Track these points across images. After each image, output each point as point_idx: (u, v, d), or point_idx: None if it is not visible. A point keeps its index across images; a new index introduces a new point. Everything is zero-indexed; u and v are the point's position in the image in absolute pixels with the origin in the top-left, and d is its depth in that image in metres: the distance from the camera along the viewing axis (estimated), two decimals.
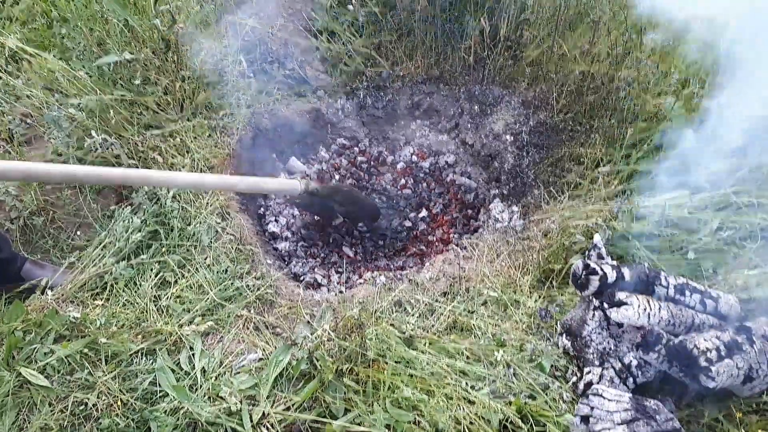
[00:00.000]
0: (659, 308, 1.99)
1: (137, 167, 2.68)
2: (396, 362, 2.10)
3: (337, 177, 3.46)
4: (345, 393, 2.01)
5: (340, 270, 2.92)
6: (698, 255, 2.37)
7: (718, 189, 2.47)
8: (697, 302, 2.11)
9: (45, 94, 2.79)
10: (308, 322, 2.36)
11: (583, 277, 2.10)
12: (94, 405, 1.95)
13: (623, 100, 2.96)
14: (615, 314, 1.98)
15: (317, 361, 2.06)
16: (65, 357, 2.03)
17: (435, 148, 3.65)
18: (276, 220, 3.10)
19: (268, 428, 1.94)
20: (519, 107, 3.33)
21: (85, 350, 2.07)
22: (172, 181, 2.29)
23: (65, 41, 3.11)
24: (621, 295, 2.01)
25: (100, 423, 1.92)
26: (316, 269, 2.86)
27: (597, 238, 2.29)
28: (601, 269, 2.05)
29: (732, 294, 2.22)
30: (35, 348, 2.06)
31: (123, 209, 2.59)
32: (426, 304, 2.44)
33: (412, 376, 2.07)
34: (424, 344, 2.22)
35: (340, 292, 2.64)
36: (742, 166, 2.48)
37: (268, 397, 2.01)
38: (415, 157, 3.62)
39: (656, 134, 2.76)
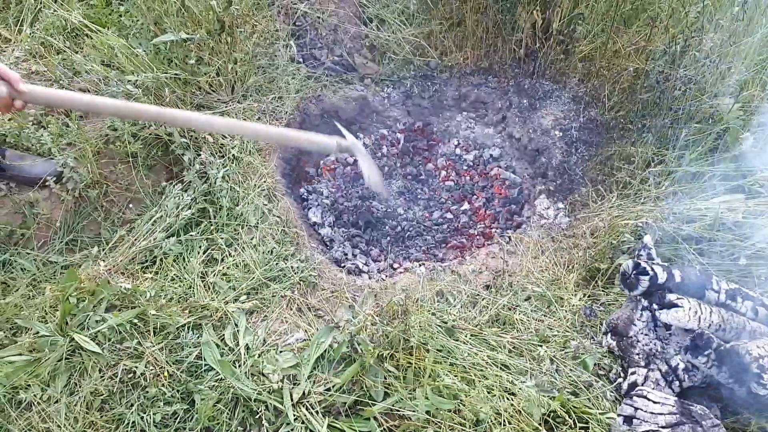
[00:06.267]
0: (710, 312, 1.96)
1: (188, 145, 2.73)
2: (437, 351, 2.10)
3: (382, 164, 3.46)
4: (385, 378, 2.02)
5: (380, 259, 2.92)
6: (750, 261, 2.31)
7: None
8: (749, 309, 2.06)
9: (104, 70, 2.85)
10: (350, 306, 2.38)
11: (632, 276, 2.07)
12: (141, 374, 2.00)
13: (678, 100, 2.89)
14: (665, 315, 1.95)
15: (358, 345, 2.07)
16: (116, 326, 2.09)
17: (480, 141, 3.62)
18: (317, 206, 3.11)
19: (307, 408, 1.96)
20: (569, 102, 3.29)
21: (135, 320, 2.13)
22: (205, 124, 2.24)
23: (123, 19, 3.17)
24: (672, 297, 1.98)
25: (147, 392, 1.98)
26: (357, 256, 2.88)
27: (647, 239, 2.25)
28: (652, 269, 2.02)
29: None
30: (88, 315, 2.12)
31: (173, 186, 2.64)
32: (468, 296, 2.43)
33: (453, 365, 2.07)
34: (466, 335, 2.22)
35: (382, 279, 2.65)
36: None
37: (308, 378, 2.04)
38: (459, 150, 3.60)
39: (711, 136, 2.70)
